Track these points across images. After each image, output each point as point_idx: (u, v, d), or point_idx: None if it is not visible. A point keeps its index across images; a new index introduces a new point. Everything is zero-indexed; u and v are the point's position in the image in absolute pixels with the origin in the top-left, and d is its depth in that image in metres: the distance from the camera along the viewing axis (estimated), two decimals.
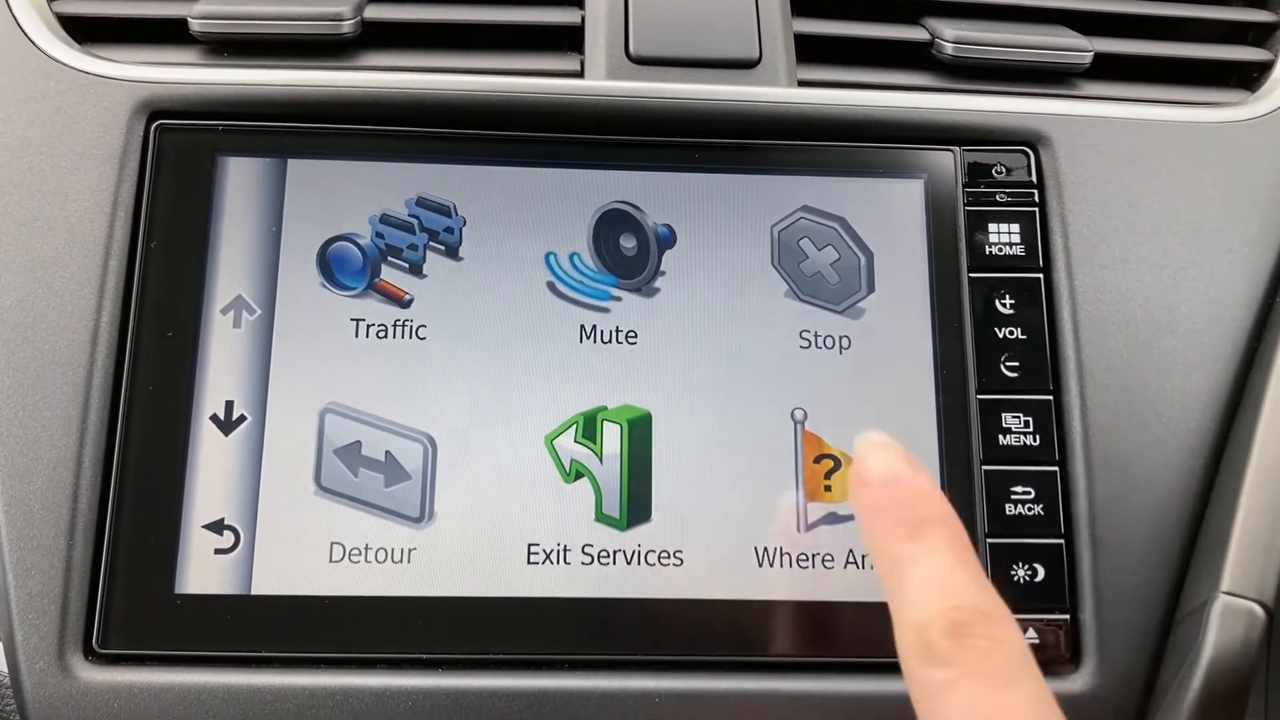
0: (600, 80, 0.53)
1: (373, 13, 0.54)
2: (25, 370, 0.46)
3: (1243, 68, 0.59)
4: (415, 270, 0.49)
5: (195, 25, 0.52)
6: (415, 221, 0.50)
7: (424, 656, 0.46)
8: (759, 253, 0.50)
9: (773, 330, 0.50)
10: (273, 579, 0.46)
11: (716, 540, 0.48)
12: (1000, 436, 0.49)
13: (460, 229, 0.50)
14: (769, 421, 0.49)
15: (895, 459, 0.36)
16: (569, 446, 0.48)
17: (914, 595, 0.33)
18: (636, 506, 0.48)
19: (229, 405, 0.47)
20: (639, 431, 0.48)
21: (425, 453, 0.48)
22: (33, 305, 0.47)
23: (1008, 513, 0.48)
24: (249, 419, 0.47)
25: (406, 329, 0.49)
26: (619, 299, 0.50)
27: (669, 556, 0.47)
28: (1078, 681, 0.46)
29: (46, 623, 0.44)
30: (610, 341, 0.49)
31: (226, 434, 0.47)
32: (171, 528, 0.46)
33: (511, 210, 0.50)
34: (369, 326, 0.49)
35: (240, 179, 0.50)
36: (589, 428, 0.48)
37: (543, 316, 0.49)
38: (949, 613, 0.32)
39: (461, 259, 0.50)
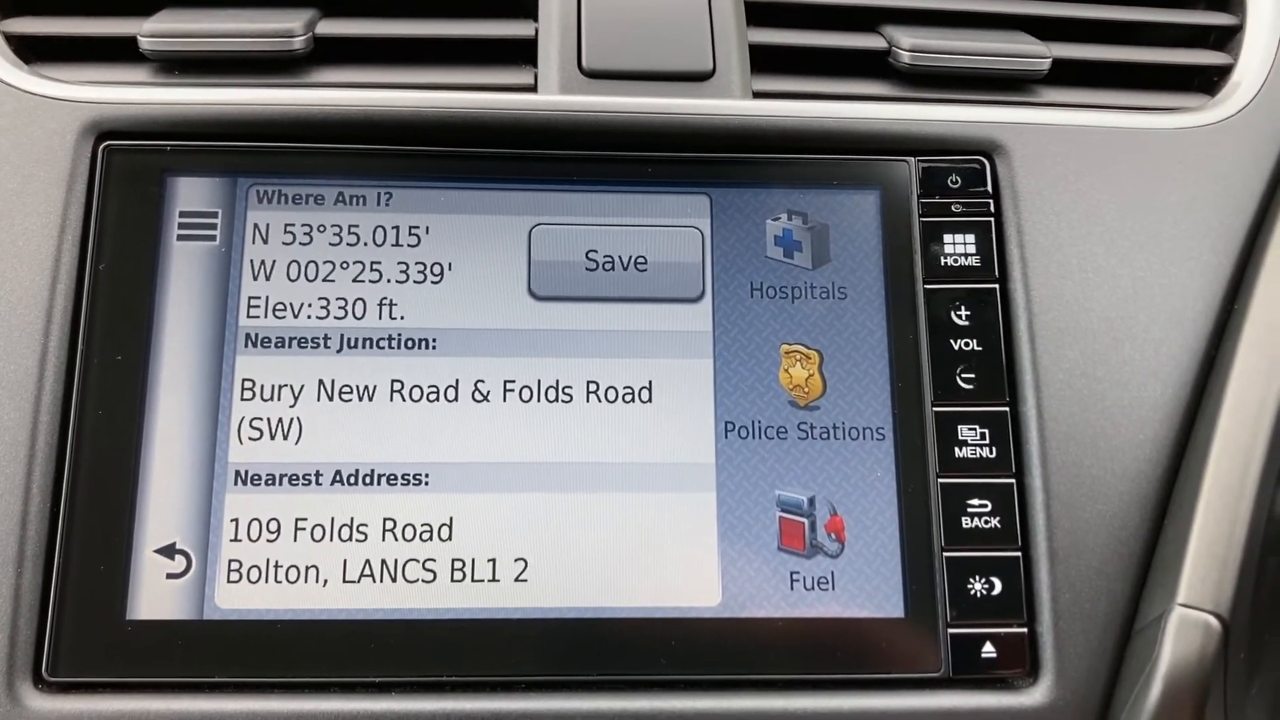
0: (553, 95, 0.52)
1: (325, 28, 0.54)
2: None
3: (1203, 72, 0.59)
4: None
5: (145, 43, 0.52)
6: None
7: (377, 680, 0.45)
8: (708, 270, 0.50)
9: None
10: (225, 603, 0.46)
11: (674, 557, 0.47)
12: (956, 449, 0.49)
13: None
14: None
15: None
16: None
17: None
18: None
19: (181, 428, 0.47)
20: None
21: (373, 473, 0.47)
22: None
23: (964, 526, 0.48)
24: (200, 442, 0.47)
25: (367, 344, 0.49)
26: None
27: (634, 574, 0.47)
28: (1036, 694, 0.46)
29: None
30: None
31: (177, 459, 0.47)
32: (122, 553, 0.46)
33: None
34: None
35: (190, 199, 0.50)
36: None
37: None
38: None
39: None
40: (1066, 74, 0.57)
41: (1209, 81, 0.59)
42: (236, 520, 0.47)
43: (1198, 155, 0.54)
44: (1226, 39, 0.60)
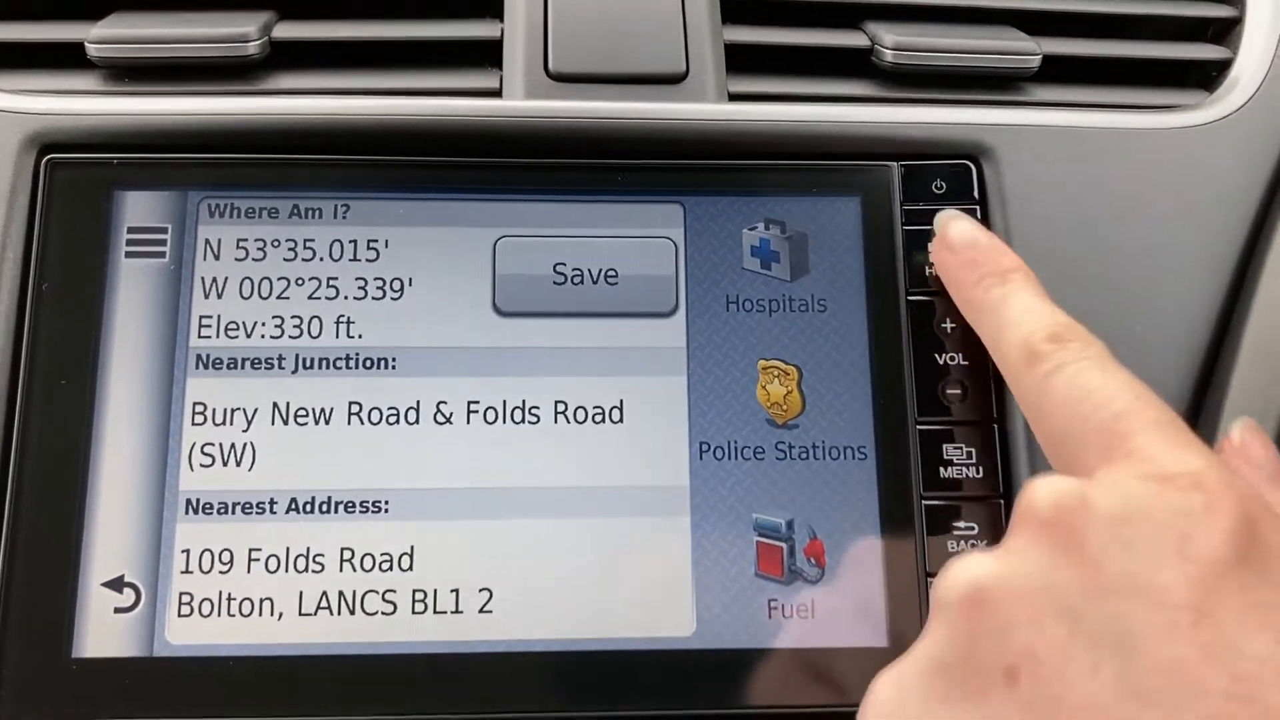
0: (518, 100, 0.50)
1: (281, 32, 0.51)
2: None
3: (1200, 67, 0.56)
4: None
5: (93, 50, 0.50)
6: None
7: (336, 718, 0.43)
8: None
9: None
10: (176, 639, 0.44)
11: (646, 585, 0.45)
12: (941, 468, 0.46)
13: None
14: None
15: (972, 226, 0.46)
16: None
17: (1014, 318, 0.41)
18: None
19: (130, 455, 0.45)
20: None
21: (330, 501, 0.45)
22: None
23: (950, 549, 0.46)
24: (150, 469, 0.45)
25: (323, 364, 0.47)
26: None
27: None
28: None
29: None
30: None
31: (126, 487, 0.45)
32: (68, 587, 0.44)
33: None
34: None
35: (138, 215, 0.47)
36: None
37: None
38: (1048, 326, 0.39)
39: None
40: (1057, 71, 0.54)
41: (1207, 77, 0.56)
42: (188, 551, 0.45)
43: (1195, 155, 0.51)
44: (1225, 33, 0.57)
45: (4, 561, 0.43)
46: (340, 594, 0.44)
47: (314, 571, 0.45)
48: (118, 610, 0.44)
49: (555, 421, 0.47)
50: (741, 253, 0.49)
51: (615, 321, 0.48)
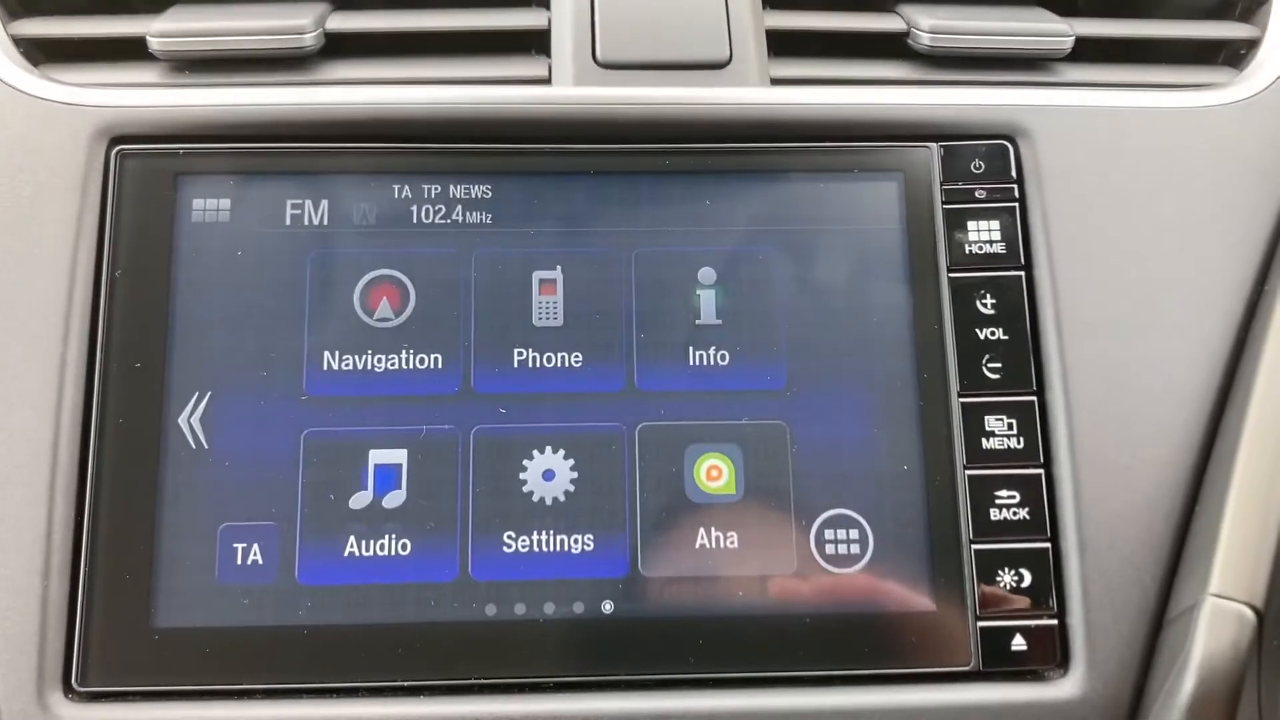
0: (567, 88, 0.52)
1: (335, 23, 0.53)
2: None
3: (1229, 46, 0.57)
4: None
5: (155, 44, 0.51)
6: None
7: (405, 684, 0.45)
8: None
9: None
10: (251, 610, 0.46)
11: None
12: (983, 440, 0.48)
13: None
14: None
15: None
16: None
17: None
18: None
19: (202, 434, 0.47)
20: None
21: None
22: None
23: (993, 517, 0.47)
24: (222, 448, 0.47)
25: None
26: None
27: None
28: (1066, 686, 0.46)
29: (24, 662, 0.44)
30: None
31: (199, 463, 0.47)
32: (148, 561, 0.46)
33: None
34: None
35: (204, 201, 0.49)
36: None
37: None
38: None
39: None
40: (1089, 51, 0.56)
41: (1235, 56, 0.57)
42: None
43: (1225, 134, 0.53)
44: (1253, 10, 0.59)
45: (87, 537, 0.45)
46: None
47: None
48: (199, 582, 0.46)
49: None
50: None
51: None
